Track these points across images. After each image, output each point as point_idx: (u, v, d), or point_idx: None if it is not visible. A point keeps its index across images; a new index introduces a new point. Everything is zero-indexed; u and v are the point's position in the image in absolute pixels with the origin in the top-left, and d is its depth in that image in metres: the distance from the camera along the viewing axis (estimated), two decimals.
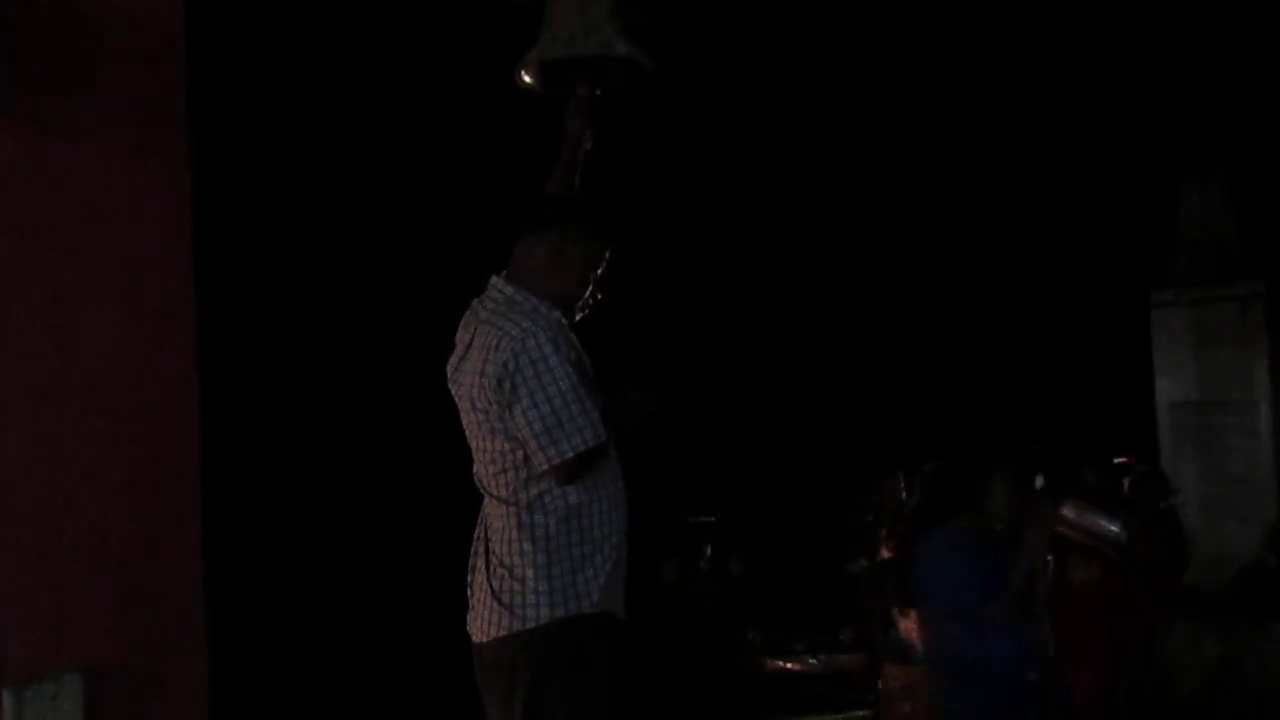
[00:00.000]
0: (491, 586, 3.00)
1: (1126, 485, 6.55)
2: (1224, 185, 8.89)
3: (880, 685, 5.98)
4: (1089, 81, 14.13)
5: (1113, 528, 4.48)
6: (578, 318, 3.17)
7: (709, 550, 13.68)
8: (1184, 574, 7.35)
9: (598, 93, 3.62)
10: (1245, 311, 8.40)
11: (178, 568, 3.44)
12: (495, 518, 3.04)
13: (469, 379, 3.00)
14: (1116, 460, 6.81)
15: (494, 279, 3.14)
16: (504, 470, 2.98)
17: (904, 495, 6.26)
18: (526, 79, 3.67)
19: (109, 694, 3.17)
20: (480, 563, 3.07)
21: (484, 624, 3.03)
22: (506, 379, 2.89)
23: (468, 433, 3.09)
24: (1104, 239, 14.05)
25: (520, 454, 2.94)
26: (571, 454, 2.88)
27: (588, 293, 3.16)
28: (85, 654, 3.15)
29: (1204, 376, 8.36)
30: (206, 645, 3.49)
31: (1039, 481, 6.82)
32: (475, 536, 3.15)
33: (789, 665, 11.10)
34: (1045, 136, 14.58)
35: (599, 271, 3.15)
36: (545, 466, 2.91)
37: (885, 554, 5.85)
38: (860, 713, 8.75)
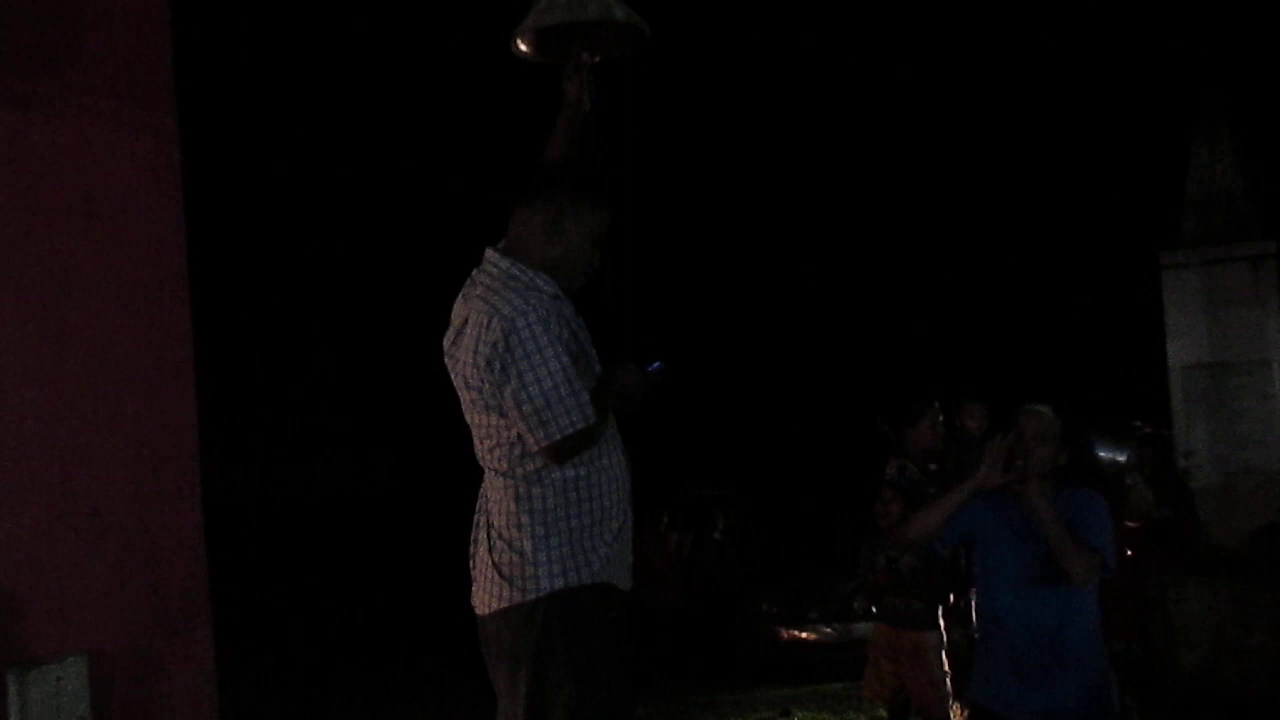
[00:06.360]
0: (493, 559, 3.00)
1: (1135, 448, 6.41)
2: (1234, 144, 8.78)
3: (870, 642, 5.85)
4: (1098, 44, 14.02)
5: (1115, 455, 4.25)
6: (579, 285, 3.12)
7: (722, 522, 13.70)
8: (1194, 538, 7.28)
9: (596, 60, 3.56)
10: (1257, 271, 8.31)
11: (180, 548, 3.42)
12: (494, 490, 3.04)
13: (463, 356, 2.99)
14: (1130, 423, 6.71)
15: (489, 252, 3.10)
16: (499, 445, 2.98)
17: (943, 431, 5.83)
18: (523, 46, 3.61)
19: (114, 674, 3.17)
20: (482, 535, 3.07)
21: (486, 597, 3.03)
22: (497, 359, 2.89)
23: (464, 409, 3.08)
24: (1114, 200, 13.97)
25: (515, 430, 2.94)
26: (559, 436, 2.88)
27: (587, 261, 3.12)
28: (89, 635, 3.14)
29: (1215, 338, 8.28)
30: (211, 625, 3.48)
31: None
32: (476, 510, 3.14)
33: (803, 634, 11.09)
34: (1055, 99, 14.48)
35: (598, 240, 3.11)
36: (535, 448, 2.90)
37: (893, 511, 5.38)
38: None
